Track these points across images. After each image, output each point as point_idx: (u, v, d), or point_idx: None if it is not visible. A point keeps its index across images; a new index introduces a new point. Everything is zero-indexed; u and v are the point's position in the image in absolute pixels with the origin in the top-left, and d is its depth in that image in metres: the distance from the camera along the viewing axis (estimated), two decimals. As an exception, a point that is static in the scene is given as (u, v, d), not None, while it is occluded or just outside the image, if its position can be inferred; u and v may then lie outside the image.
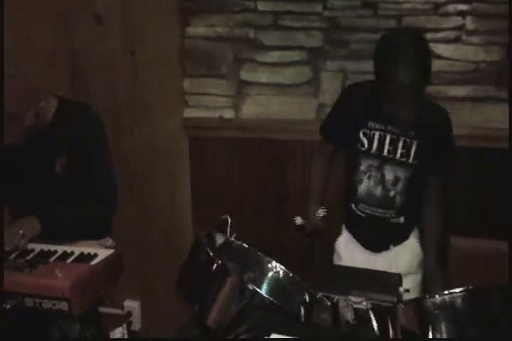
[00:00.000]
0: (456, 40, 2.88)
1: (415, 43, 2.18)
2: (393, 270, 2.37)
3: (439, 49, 2.89)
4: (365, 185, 2.40)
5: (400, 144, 2.32)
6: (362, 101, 2.35)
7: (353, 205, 2.47)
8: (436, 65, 2.88)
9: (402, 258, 2.46)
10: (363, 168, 2.39)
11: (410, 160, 2.33)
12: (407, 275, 2.37)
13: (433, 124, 2.32)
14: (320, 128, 2.58)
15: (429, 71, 2.18)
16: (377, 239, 2.48)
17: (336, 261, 2.58)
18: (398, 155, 2.33)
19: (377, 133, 2.34)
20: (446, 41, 2.89)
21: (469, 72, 2.89)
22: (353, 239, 2.54)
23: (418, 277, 2.48)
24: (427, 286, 2.42)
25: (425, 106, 2.28)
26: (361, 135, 2.36)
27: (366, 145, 2.36)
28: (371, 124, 2.35)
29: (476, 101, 2.92)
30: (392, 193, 2.38)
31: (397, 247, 2.48)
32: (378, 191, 2.39)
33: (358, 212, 2.46)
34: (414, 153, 2.32)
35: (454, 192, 2.83)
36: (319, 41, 3.01)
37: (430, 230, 2.45)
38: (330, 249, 2.64)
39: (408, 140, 2.31)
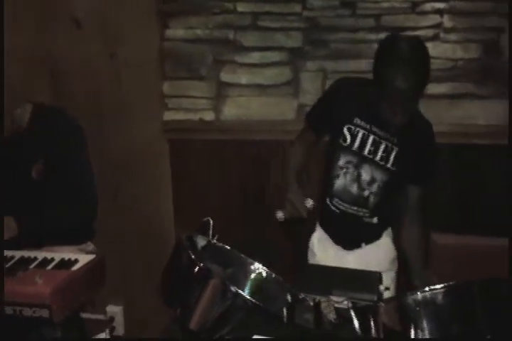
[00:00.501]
0: (434, 38, 2.90)
1: (419, 51, 2.18)
2: (364, 268, 2.39)
3: (418, 47, 2.90)
4: (341, 181, 2.40)
5: (382, 147, 2.32)
6: (352, 97, 2.34)
7: (328, 200, 2.47)
8: (415, 63, 2.92)
9: (374, 257, 2.45)
10: (341, 163, 2.38)
11: (389, 165, 2.33)
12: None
13: (416, 137, 2.32)
14: (306, 115, 2.56)
15: (427, 80, 2.18)
16: (349, 236, 2.48)
17: (310, 258, 2.58)
18: (378, 157, 2.33)
19: (361, 132, 2.34)
20: (425, 39, 2.84)
21: (448, 69, 2.91)
22: (326, 236, 2.53)
23: (391, 274, 2.48)
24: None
25: (414, 118, 2.28)
26: (345, 130, 2.35)
27: (348, 141, 2.35)
28: (357, 121, 2.34)
29: (455, 98, 2.93)
30: (366, 193, 2.38)
31: (369, 245, 2.48)
32: (354, 188, 2.39)
33: (333, 208, 2.46)
34: (394, 158, 2.32)
35: (434, 189, 2.84)
36: (299, 41, 3.02)
37: (414, 243, 2.40)
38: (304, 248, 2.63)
39: (390, 145, 2.32)
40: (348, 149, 2.36)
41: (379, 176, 2.35)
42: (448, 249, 2.45)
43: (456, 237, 2.57)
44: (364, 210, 2.41)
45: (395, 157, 2.32)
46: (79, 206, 2.50)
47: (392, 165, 2.33)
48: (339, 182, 2.40)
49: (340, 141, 2.36)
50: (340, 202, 2.43)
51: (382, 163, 2.33)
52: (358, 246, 2.48)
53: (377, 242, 2.49)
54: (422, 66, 2.14)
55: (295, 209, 2.31)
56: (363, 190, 2.38)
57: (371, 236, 2.49)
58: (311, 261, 2.57)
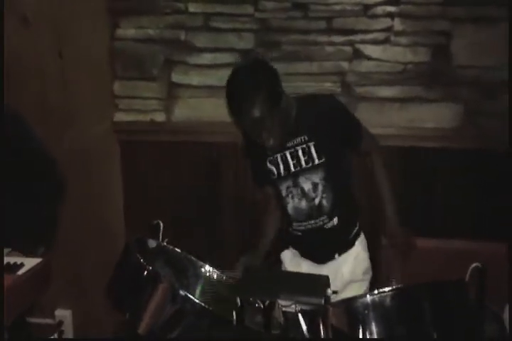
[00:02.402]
0: (385, 41, 2.92)
1: (252, 79, 2.18)
2: (338, 278, 2.38)
3: (369, 50, 2.93)
4: (291, 205, 2.41)
5: (300, 153, 2.33)
6: (252, 139, 2.33)
7: (289, 228, 2.47)
8: (365, 66, 2.95)
9: (346, 267, 2.43)
10: (284, 193, 2.40)
11: (316, 161, 2.33)
12: (352, 284, 2.40)
13: (318, 119, 2.30)
14: (252, 178, 2.58)
15: (274, 98, 2.18)
16: (320, 250, 2.45)
17: None
18: (303, 163, 2.34)
19: (278, 156, 2.36)
20: (376, 42, 2.92)
21: (398, 72, 2.93)
22: (298, 253, 2.53)
23: (364, 285, 2.45)
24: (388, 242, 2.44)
25: (302, 107, 2.31)
26: (268, 164, 2.39)
27: (276, 172, 2.38)
28: (269, 152, 2.37)
29: (404, 101, 2.96)
30: (317, 200, 2.37)
31: (343, 255, 2.45)
32: (303, 205, 2.38)
33: (295, 232, 2.46)
34: (316, 153, 2.32)
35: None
36: (250, 43, 3.01)
37: (382, 186, 2.44)
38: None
39: (304, 146, 2.32)
40: (280, 178, 2.38)
41: (316, 177, 2.35)
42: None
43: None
44: (322, 218, 2.40)
45: (316, 150, 2.32)
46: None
47: (319, 158, 2.32)
48: (290, 208, 2.41)
49: (271, 176, 2.40)
50: (299, 224, 2.43)
51: (309, 165, 2.34)
52: (331, 258, 2.45)
53: (350, 251, 2.46)
54: (258, 91, 2.13)
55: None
56: (312, 200, 2.37)
57: (342, 243, 2.47)
58: None
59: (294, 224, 2.44)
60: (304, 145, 2.32)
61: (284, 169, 2.36)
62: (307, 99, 2.40)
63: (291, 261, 2.54)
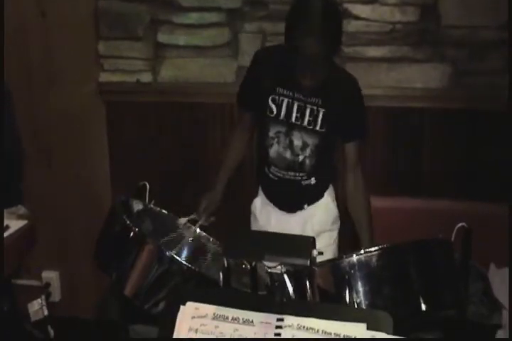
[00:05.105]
0: (374, 0, 2.87)
1: (326, 11, 2.13)
2: (308, 229, 2.44)
3: (357, 10, 2.89)
4: (274, 149, 2.39)
5: (307, 112, 2.31)
6: (271, 67, 2.31)
7: (266, 168, 2.46)
8: (354, 25, 2.90)
9: (316, 217, 2.47)
10: (271, 133, 2.38)
11: (317, 128, 2.32)
12: (322, 234, 2.44)
13: (341, 93, 2.30)
14: (236, 96, 2.52)
15: (338, 40, 2.16)
16: (291, 201, 2.48)
17: (252, 223, 2.57)
18: (305, 122, 2.32)
19: (285, 100, 2.32)
20: (364, 2, 2.88)
21: (386, 32, 2.89)
22: (268, 201, 2.53)
23: (334, 234, 2.50)
24: None
25: (334, 75, 2.27)
26: (270, 101, 2.34)
27: (275, 112, 2.34)
28: (280, 90, 2.32)
29: (393, 61, 2.93)
30: (301, 157, 2.38)
31: (312, 206, 2.48)
32: (288, 155, 2.38)
33: (271, 175, 2.45)
34: (321, 120, 2.30)
35: (371, 152, 2.88)
36: (237, 2, 2.96)
37: (361, 210, 2.41)
38: (244, 212, 2.62)
39: (315, 108, 2.30)
40: (276, 119, 2.35)
41: (310, 140, 2.34)
42: (384, 211, 2.49)
43: (392, 200, 2.62)
44: (301, 174, 2.41)
45: (323, 119, 2.30)
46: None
47: (321, 127, 2.31)
48: (273, 151, 2.39)
49: (267, 112, 2.35)
50: (276, 170, 2.42)
51: (310, 127, 2.32)
52: (300, 208, 2.48)
53: (319, 202, 2.49)
54: (328, 27, 2.10)
55: (198, 213, 2.44)
56: (297, 155, 2.37)
57: (312, 196, 2.49)
58: (254, 225, 2.57)
59: (273, 168, 2.43)
60: (315, 107, 2.30)
61: (285, 115, 2.33)
62: (339, 70, 2.36)
63: (262, 210, 2.55)
